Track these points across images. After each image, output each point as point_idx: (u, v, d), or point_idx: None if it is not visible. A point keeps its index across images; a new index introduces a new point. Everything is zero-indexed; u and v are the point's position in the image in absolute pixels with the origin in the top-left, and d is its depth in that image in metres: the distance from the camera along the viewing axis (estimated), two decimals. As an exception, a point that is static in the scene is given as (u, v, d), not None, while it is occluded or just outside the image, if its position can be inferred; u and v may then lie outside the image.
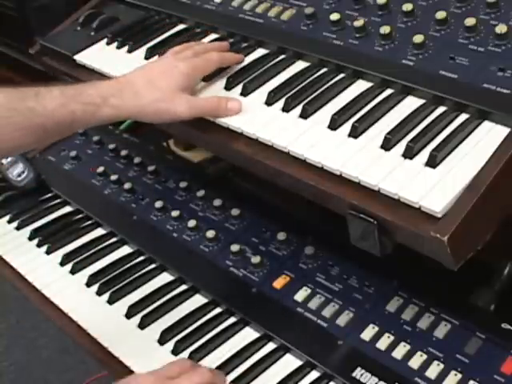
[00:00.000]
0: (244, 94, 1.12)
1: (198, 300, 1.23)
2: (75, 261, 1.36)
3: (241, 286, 1.21)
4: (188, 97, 1.11)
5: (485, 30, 1.00)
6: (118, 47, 1.35)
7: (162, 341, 1.17)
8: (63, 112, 1.07)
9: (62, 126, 1.09)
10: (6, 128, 1.06)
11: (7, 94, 1.08)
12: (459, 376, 0.99)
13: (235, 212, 1.33)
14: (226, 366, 1.10)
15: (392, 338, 1.06)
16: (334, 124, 1.00)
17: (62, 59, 1.40)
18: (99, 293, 1.28)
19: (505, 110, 0.91)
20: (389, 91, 1.04)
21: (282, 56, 1.17)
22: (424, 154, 0.91)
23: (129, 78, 1.13)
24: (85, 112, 1.08)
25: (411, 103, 1.00)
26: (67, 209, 1.51)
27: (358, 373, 1.03)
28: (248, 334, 1.15)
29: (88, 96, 1.09)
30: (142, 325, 1.20)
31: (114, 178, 1.50)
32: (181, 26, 1.36)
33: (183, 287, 1.26)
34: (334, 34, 1.12)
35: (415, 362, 1.02)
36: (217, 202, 1.35)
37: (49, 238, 1.43)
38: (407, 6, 1.08)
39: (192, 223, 1.33)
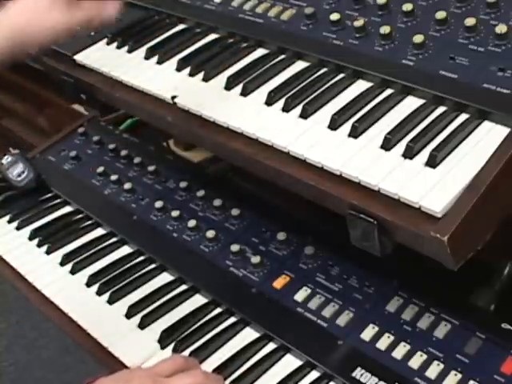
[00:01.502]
0: (244, 94, 1.12)
1: (197, 300, 1.23)
2: (75, 261, 1.36)
3: (241, 286, 1.21)
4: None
5: (485, 30, 1.00)
6: (118, 47, 1.35)
7: (162, 341, 1.17)
8: None
9: None
10: None
11: None
12: (459, 376, 0.99)
13: (235, 212, 1.33)
14: (226, 367, 1.10)
15: (392, 338, 1.06)
16: (334, 124, 1.00)
17: (62, 59, 1.40)
18: (99, 293, 1.28)
19: (505, 110, 0.91)
20: (389, 91, 1.04)
21: (282, 56, 1.17)
22: (424, 154, 0.91)
23: None
24: None
25: (411, 103, 1.00)
26: (67, 209, 1.51)
27: (358, 373, 1.03)
28: (248, 334, 1.15)
29: None
30: (142, 325, 1.20)
31: (114, 177, 1.49)
32: (181, 26, 1.36)
33: (183, 287, 1.26)
34: (334, 34, 1.12)
35: (415, 361, 1.02)
36: (217, 202, 1.35)
37: (49, 238, 1.43)
38: (407, 6, 1.08)
39: (192, 223, 1.33)
